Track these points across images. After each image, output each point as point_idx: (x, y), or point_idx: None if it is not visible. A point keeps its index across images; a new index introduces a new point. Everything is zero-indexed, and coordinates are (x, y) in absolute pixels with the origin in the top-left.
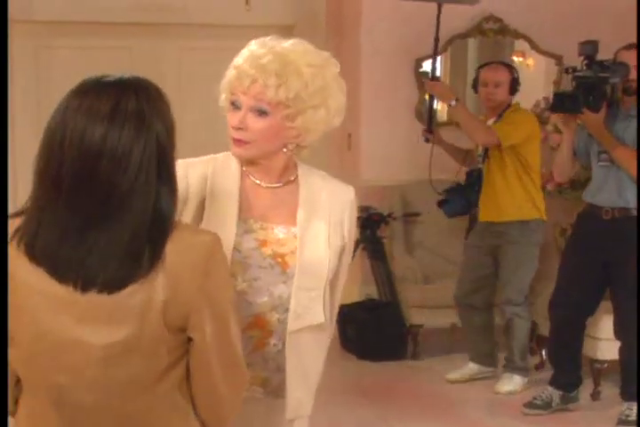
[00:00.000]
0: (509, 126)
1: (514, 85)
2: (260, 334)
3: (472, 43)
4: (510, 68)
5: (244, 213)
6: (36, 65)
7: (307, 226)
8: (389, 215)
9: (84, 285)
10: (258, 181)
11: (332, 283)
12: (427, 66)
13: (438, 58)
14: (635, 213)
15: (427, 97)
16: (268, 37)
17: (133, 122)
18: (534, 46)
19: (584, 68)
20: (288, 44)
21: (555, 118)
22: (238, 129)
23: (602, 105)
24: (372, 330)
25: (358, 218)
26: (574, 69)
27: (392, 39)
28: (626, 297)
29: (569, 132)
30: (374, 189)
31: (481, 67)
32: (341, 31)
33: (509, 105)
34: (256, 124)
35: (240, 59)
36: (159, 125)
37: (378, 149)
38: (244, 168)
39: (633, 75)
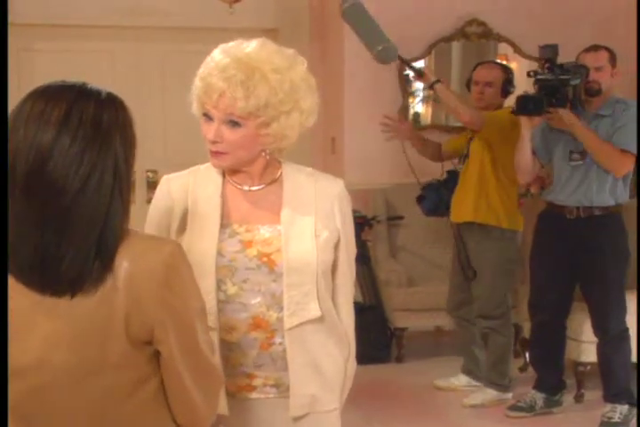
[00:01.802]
0: (497, 117)
1: (507, 87)
2: (264, 335)
3: (456, 46)
4: (505, 68)
5: (227, 218)
6: (17, 68)
7: (292, 222)
8: (373, 218)
9: (43, 285)
10: (240, 186)
11: (333, 277)
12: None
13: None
14: (597, 212)
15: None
16: (231, 43)
17: (89, 128)
18: (517, 50)
19: (545, 71)
20: (251, 48)
21: (523, 121)
22: (214, 142)
23: (566, 105)
24: (356, 333)
25: None
26: (535, 73)
27: None
28: (598, 296)
29: (528, 133)
30: (358, 192)
31: (477, 65)
32: (325, 34)
33: (500, 106)
34: (231, 135)
35: (205, 70)
36: (117, 136)
37: (362, 153)
38: (227, 177)
39: (593, 76)
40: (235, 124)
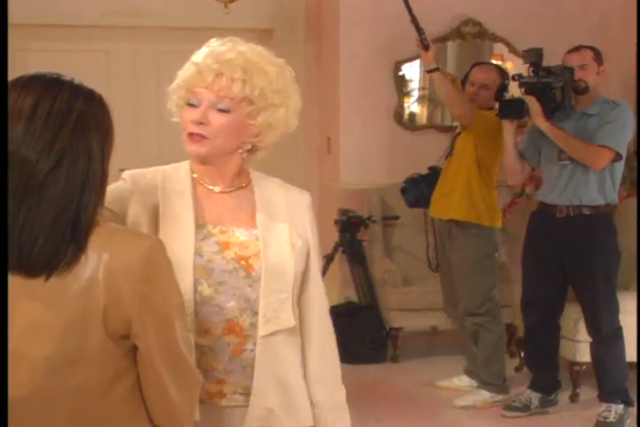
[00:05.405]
0: (486, 117)
1: (501, 91)
2: (237, 340)
3: (451, 46)
4: (502, 72)
5: (201, 218)
6: (12, 68)
7: (268, 228)
8: (369, 218)
9: (19, 263)
10: (210, 187)
11: (305, 291)
12: (405, 69)
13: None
14: (587, 211)
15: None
16: (227, 38)
17: (60, 115)
18: (512, 50)
19: (531, 74)
20: (246, 45)
21: (506, 124)
22: (199, 124)
23: (550, 109)
24: (351, 333)
25: (338, 221)
26: (520, 76)
27: (370, 43)
28: (588, 295)
29: (511, 137)
30: (354, 192)
31: (474, 65)
32: (320, 35)
33: (492, 109)
34: (218, 119)
35: (199, 56)
36: (92, 125)
37: (357, 153)
38: (194, 175)
39: (578, 74)
40: (223, 110)
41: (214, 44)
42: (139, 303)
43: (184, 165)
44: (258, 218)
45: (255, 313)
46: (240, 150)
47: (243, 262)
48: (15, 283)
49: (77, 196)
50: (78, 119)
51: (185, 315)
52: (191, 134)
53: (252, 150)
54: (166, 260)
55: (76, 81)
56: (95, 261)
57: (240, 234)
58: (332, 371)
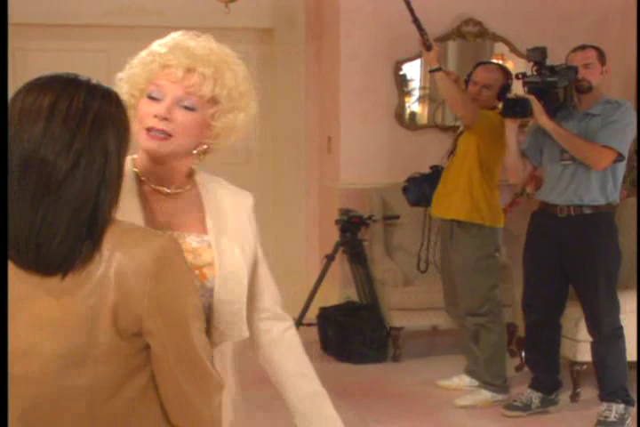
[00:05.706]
0: (489, 117)
1: (504, 90)
2: None
3: (452, 45)
4: (506, 72)
5: (149, 222)
6: (12, 67)
7: (219, 234)
8: (369, 218)
9: (37, 263)
10: (157, 187)
11: (257, 294)
12: (406, 68)
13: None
14: (588, 210)
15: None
16: (192, 32)
17: (78, 114)
18: (513, 49)
19: (534, 73)
20: (215, 43)
21: (508, 123)
22: (163, 119)
23: (553, 109)
24: (352, 333)
25: (338, 221)
26: (524, 75)
27: (371, 42)
28: (589, 295)
29: (513, 135)
30: (354, 191)
31: (478, 64)
32: (321, 34)
33: (494, 108)
34: (183, 116)
35: (163, 47)
36: (109, 124)
37: (357, 152)
38: (135, 169)
39: (582, 73)
40: (189, 108)
41: (180, 38)
42: (149, 302)
43: (128, 161)
44: (208, 223)
45: (206, 320)
46: (195, 151)
47: (197, 272)
48: (31, 282)
49: (94, 195)
50: (95, 119)
51: (202, 316)
52: (152, 129)
53: (204, 152)
54: (180, 258)
55: (94, 81)
56: (107, 259)
57: (191, 240)
58: (307, 365)
